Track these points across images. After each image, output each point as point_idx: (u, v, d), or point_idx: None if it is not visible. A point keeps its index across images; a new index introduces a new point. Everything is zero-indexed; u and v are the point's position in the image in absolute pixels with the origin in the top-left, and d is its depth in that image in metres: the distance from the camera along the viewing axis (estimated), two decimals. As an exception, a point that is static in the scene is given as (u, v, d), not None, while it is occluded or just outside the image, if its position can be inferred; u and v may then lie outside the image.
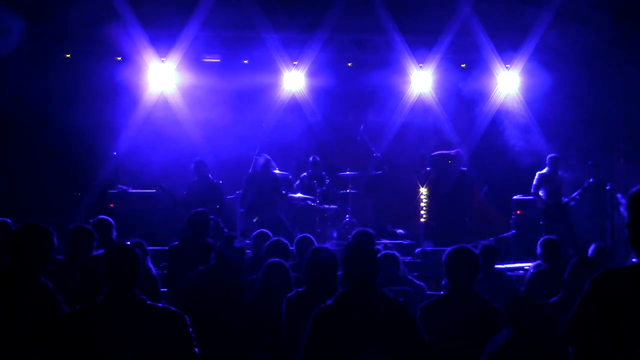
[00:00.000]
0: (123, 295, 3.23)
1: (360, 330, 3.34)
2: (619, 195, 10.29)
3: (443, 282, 5.18)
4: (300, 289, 4.43)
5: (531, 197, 10.89)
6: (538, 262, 6.39)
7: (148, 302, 3.27)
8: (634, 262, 2.71)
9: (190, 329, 3.30)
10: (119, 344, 3.12)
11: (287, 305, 4.40)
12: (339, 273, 4.34)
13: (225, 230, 9.45)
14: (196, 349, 3.34)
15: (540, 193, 10.34)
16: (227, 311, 4.97)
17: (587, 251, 6.78)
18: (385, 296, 3.54)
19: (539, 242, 6.22)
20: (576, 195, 10.31)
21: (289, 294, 4.46)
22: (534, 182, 10.39)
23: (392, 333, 3.38)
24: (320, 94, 12.70)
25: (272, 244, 5.85)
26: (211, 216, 8.19)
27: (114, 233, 6.06)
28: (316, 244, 6.19)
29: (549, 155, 10.47)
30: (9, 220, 5.86)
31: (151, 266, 5.57)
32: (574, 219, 10.33)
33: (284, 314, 4.40)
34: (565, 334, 2.74)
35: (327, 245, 5.06)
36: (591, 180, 10.20)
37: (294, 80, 12.04)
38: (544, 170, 10.40)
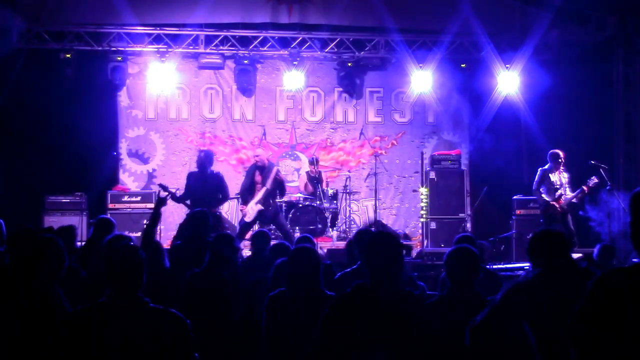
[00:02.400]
0: (126, 296, 3.21)
1: (375, 324, 3.30)
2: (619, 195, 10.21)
3: (442, 276, 5.16)
4: (282, 288, 4.42)
5: (531, 197, 10.86)
6: None
7: (151, 304, 3.25)
8: (636, 262, 2.71)
9: (192, 334, 3.28)
10: (120, 345, 3.10)
11: (269, 304, 4.38)
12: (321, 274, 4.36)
13: (226, 225, 9.41)
14: (196, 354, 3.33)
15: (542, 190, 10.21)
16: (225, 313, 4.94)
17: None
18: (402, 290, 3.50)
19: None
20: (577, 194, 10.10)
21: (271, 293, 4.45)
22: (536, 179, 10.27)
23: (407, 327, 3.34)
24: (321, 94, 12.74)
25: (275, 247, 5.85)
26: (217, 213, 8.19)
27: (115, 233, 6.06)
28: (309, 245, 6.19)
29: (549, 151, 10.30)
30: (1, 220, 5.85)
31: (167, 264, 5.55)
32: (574, 218, 10.23)
33: (264, 312, 4.39)
34: (568, 334, 2.73)
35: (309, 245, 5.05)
36: (594, 178, 10.02)
37: (294, 80, 12.03)
38: (545, 167, 10.27)
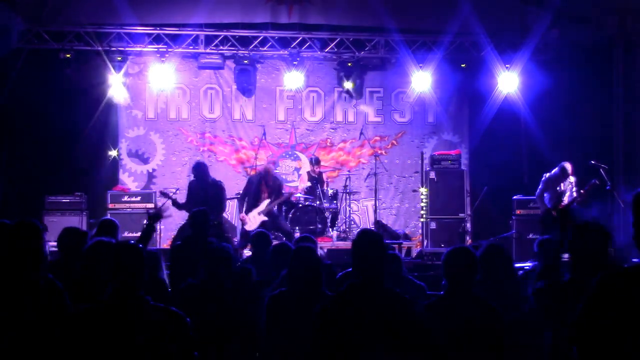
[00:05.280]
0: (127, 295, 3.23)
1: (365, 325, 3.32)
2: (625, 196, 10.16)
3: (443, 282, 5.16)
4: (283, 289, 4.43)
5: (531, 197, 10.86)
6: (536, 262, 6.39)
7: (151, 302, 3.26)
8: (637, 262, 2.71)
9: (192, 332, 3.29)
10: (121, 344, 3.12)
11: (269, 303, 4.39)
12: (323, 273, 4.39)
13: (227, 235, 9.35)
14: (195, 352, 3.34)
15: (545, 196, 10.14)
16: (224, 315, 4.90)
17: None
18: (392, 291, 3.54)
19: (536, 242, 6.19)
20: (575, 199, 10.05)
21: (272, 293, 4.47)
22: (540, 186, 10.21)
23: (397, 329, 3.36)
24: (321, 94, 12.74)
25: (276, 248, 5.82)
26: (212, 217, 8.17)
27: (119, 234, 6.08)
28: (310, 244, 6.17)
29: (561, 163, 10.21)
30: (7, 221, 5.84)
31: (164, 277, 5.51)
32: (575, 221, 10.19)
33: (265, 312, 4.39)
34: (570, 334, 2.74)
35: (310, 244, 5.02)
36: (593, 182, 9.98)
37: (294, 80, 12.03)
38: (552, 173, 10.20)
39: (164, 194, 9.69)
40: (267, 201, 9.87)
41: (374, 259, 3.58)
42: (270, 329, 4.35)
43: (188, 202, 9.43)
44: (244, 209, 10.17)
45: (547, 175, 10.18)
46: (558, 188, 10.04)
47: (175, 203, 9.43)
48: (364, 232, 3.78)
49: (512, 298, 4.55)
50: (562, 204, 9.96)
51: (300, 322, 3.99)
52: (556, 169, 10.15)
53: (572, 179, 10.08)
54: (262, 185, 10.01)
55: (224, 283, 4.91)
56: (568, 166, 10.02)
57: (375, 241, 3.67)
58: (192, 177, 10.04)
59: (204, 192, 9.41)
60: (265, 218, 9.84)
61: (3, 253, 3.67)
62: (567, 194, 10.01)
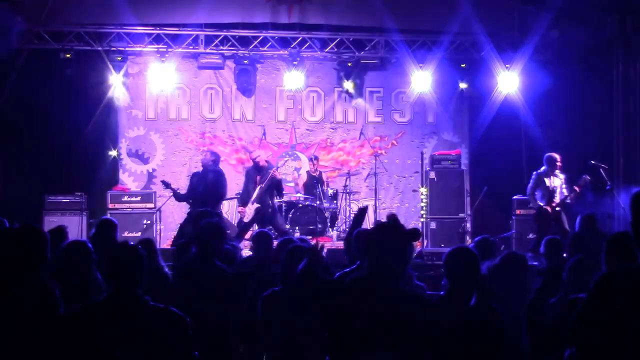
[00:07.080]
0: (125, 295, 3.22)
1: (372, 320, 3.23)
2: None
3: (443, 282, 5.15)
4: (276, 288, 4.45)
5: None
6: (535, 262, 6.40)
7: (151, 302, 3.25)
8: (637, 262, 2.71)
9: (190, 332, 3.28)
10: (118, 343, 3.10)
11: (263, 303, 4.42)
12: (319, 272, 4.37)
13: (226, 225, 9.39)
14: (196, 352, 3.33)
15: (537, 193, 10.13)
16: (218, 304, 4.90)
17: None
18: (402, 288, 3.43)
19: (543, 241, 6.18)
20: (569, 196, 10.00)
21: (265, 293, 4.47)
22: (530, 183, 10.19)
23: (406, 326, 3.28)
24: (321, 94, 12.74)
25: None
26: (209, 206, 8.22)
27: (117, 233, 6.09)
28: (297, 243, 6.14)
29: (546, 155, 10.22)
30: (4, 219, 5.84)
31: (162, 264, 5.54)
32: (571, 220, 10.16)
33: (259, 312, 4.42)
34: (569, 334, 2.74)
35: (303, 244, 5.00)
36: (585, 177, 9.94)
37: (294, 80, 12.02)
38: (540, 170, 10.20)
39: (165, 184, 9.81)
40: (258, 188, 9.92)
41: (394, 257, 3.24)
42: (265, 328, 4.37)
43: (188, 192, 9.53)
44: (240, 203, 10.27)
45: (536, 172, 10.12)
46: (549, 184, 9.99)
47: (175, 194, 9.57)
48: (394, 226, 3.27)
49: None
50: (555, 201, 9.92)
51: (293, 320, 3.99)
52: (544, 165, 10.08)
53: (561, 176, 10.02)
54: (255, 176, 10.07)
55: (214, 255, 4.96)
56: (555, 155, 9.98)
57: (403, 238, 3.29)
58: (195, 170, 10.08)
59: (204, 182, 9.46)
60: (258, 205, 9.86)
61: (7, 257, 3.66)
62: (558, 190, 9.97)
